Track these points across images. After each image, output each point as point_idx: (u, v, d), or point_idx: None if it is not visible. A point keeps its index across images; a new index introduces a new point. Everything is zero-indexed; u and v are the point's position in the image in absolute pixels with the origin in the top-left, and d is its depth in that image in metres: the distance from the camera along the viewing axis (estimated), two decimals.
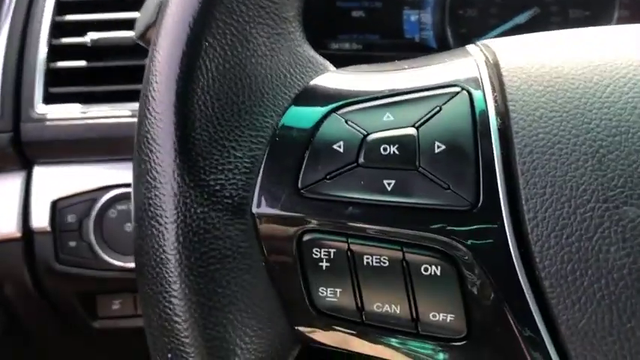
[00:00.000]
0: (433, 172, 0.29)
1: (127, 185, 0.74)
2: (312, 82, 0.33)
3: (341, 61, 0.37)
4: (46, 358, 0.95)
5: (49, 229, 0.74)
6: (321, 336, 0.32)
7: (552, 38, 0.33)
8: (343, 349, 0.32)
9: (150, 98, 0.30)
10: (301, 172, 0.30)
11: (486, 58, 0.32)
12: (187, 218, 0.29)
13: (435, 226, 0.28)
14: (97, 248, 0.74)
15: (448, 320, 0.29)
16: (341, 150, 0.30)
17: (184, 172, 0.29)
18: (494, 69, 0.30)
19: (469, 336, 0.29)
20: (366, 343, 0.31)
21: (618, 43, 0.31)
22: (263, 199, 0.30)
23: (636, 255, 0.26)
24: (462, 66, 0.32)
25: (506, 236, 0.27)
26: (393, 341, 0.30)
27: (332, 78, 0.34)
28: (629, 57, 0.29)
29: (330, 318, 0.31)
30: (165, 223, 0.29)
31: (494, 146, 0.28)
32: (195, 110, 0.29)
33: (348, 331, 0.31)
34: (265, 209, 0.30)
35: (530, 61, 0.30)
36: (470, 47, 0.34)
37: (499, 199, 0.28)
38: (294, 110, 0.32)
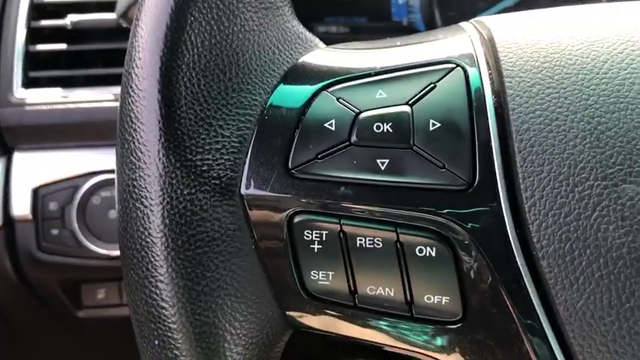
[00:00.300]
0: (428, 150, 0.28)
1: (111, 171, 0.73)
2: (301, 59, 0.32)
3: (328, 44, 0.36)
4: (30, 349, 0.93)
5: (30, 217, 0.73)
6: (313, 321, 0.31)
7: (548, 14, 0.32)
8: (335, 334, 0.31)
9: (133, 75, 0.29)
10: (291, 152, 0.29)
11: (481, 34, 0.31)
12: (173, 200, 0.28)
13: (430, 206, 0.28)
14: (80, 236, 0.72)
15: (443, 303, 0.28)
16: (332, 128, 0.29)
17: (170, 151, 0.28)
18: (490, 45, 0.30)
19: (464, 319, 0.28)
20: (359, 327, 0.30)
21: (615, 19, 0.30)
22: (252, 179, 0.29)
23: (635, 234, 0.25)
24: (457, 42, 0.31)
25: (502, 216, 0.27)
26: (387, 325, 0.30)
27: (322, 55, 0.33)
28: (627, 33, 0.29)
29: (322, 302, 0.30)
30: (151, 205, 0.28)
31: (490, 124, 0.27)
32: (180, 87, 0.28)
33: (341, 315, 0.30)
34: (254, 190, 0.29)
35: (525, 37, 0.30)
36: (464, 24, 0.33)
37: (496, 177, 0.27)
38: (284, 89, 0.31)
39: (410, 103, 0.29)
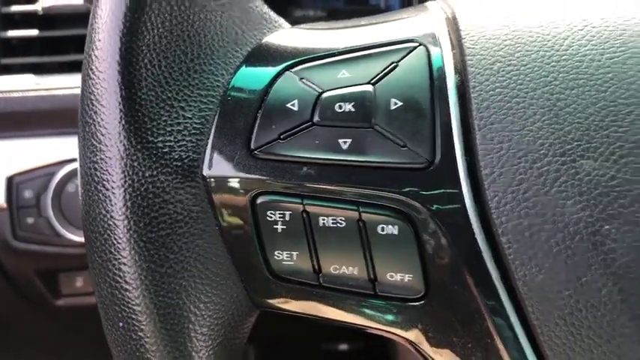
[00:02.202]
0: (389, 129, 0.28)
1: None
2: (265, 40, 0.32)
3: None
4: (10, 338, 0.93)
5: (5, 205, 0.72)
6: (279, 301, 0.31)
7: None
8: (301, 314, 0.31)
9: (92, 57, 0.29)
10: (254, 133, 0.29)
11: (445, 13, 0.31)
12: (135, 182, 0.28)
13: (392, 184, 0.28)
14: (56, 224, 0.72)
15: (406, 280, 0.28)
16: (295, 108, 0.29)
17: (131, 134, 0.28)
18: (453, 24, 0.30)
19: (427, 296, 0.28)
20: (325, 307, 0.30)
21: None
22: (214, 161, 0.29)
23: (592, 209, 0.25)
24: (420, 22, 0.31)
25: (463, 193, 0.27)
26: (352, 304, 0.30)
27: (285, 35, 0.32)
28: (586, 12, 0.29)
29: (288, 282, 0.30)
30: (112, 187, 0.28)
31: (450, 102, 0.27)
32: (140, 69, 0.28)
33: (306, 294, 0.30)
34: (217, 171, 0.29)
35: (489, 15, 0.30)
36: (429, 3, 0.33)
37: (456, 155, 0.27)
38: (246, 70, 0.31)
39: (372, 82, 0.29)
